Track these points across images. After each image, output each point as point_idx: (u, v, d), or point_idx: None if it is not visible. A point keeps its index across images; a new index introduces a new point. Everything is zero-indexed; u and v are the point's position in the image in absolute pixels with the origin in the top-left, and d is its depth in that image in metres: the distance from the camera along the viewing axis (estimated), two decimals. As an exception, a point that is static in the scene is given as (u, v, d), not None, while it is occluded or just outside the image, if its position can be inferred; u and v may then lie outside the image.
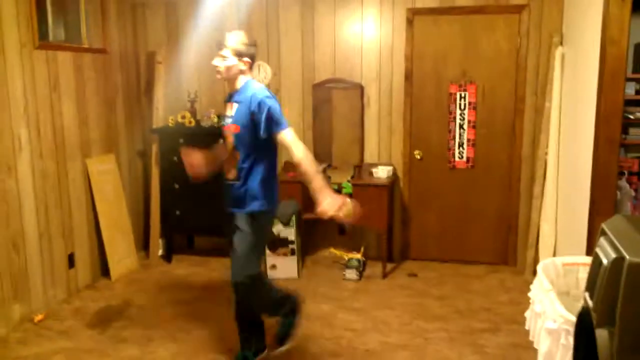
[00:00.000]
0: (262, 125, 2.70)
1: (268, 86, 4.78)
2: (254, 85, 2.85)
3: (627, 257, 1.53)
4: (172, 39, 4.95)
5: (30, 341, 3.38)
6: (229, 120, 2.87)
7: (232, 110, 2.86)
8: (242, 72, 2.84)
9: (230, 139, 2.86)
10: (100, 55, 4.39)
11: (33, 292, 3.68)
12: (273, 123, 2.71)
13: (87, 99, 4.23)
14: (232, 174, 2.86)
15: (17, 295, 3.54)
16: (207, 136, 4.55)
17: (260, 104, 2.71)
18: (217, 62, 2.81)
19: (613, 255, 1.59)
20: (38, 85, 3.70)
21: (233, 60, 2.78)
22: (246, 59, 2.81)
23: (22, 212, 3.57)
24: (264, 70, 4.77)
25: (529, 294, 2.75)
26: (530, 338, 2.63)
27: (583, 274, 2.74)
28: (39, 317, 3.64)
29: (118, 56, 4.64)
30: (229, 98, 2.93)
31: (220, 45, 2.80)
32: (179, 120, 4.68)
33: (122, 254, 4.50)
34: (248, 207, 2.83)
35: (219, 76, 2.86)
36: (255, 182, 2.82)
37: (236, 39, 2.79)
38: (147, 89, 4.96)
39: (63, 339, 3.42)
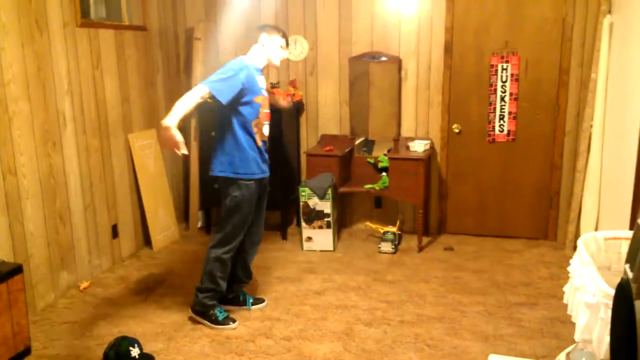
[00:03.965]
0: None
1: (304, 60, 4.79)
2: None
3: (669, 226, 1.48)
4: (211, 16, 4.98)
5: (76, 307, 3.54)
6: (264, 92, 3.24)
7: (263, 82, 3.24)
8: None
9: (267, 108, 3.27)
10: (141, 33, 4.47)
11: (79, 261, 3.84)
12: None
13: (129, 76, 4.32)
14: (260, 142, 3.24)
15: (64, 264, 3.70)
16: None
17: None
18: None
19: (654, 225, 1.54)
20: (81, 63, 3.80)
21: None
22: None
23: (68, 186, 3.71)
24: (300, 45, 4.76)
25: (569, 268, 2.69)
26: (569, 312, 2.58)
27: (625, 249, 2.65)
28: (84, 284, 3.80)
29: (157, 33, 4.71)
30: (259, 71, 3.24)
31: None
32: (217, 95, 4.72)
33: (163, 225, 4.64)
34: None
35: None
36: None
37: None
38: (186, 66, 5.03)
39: (107, 305, 3.56)
